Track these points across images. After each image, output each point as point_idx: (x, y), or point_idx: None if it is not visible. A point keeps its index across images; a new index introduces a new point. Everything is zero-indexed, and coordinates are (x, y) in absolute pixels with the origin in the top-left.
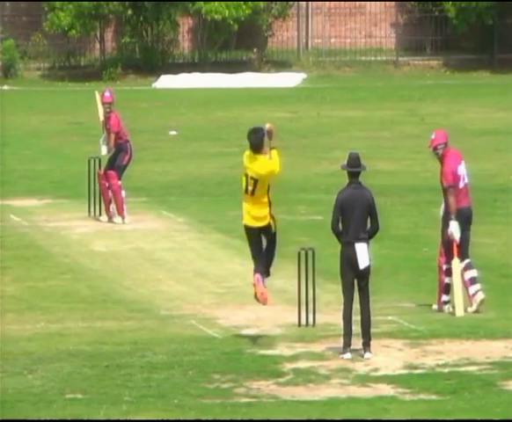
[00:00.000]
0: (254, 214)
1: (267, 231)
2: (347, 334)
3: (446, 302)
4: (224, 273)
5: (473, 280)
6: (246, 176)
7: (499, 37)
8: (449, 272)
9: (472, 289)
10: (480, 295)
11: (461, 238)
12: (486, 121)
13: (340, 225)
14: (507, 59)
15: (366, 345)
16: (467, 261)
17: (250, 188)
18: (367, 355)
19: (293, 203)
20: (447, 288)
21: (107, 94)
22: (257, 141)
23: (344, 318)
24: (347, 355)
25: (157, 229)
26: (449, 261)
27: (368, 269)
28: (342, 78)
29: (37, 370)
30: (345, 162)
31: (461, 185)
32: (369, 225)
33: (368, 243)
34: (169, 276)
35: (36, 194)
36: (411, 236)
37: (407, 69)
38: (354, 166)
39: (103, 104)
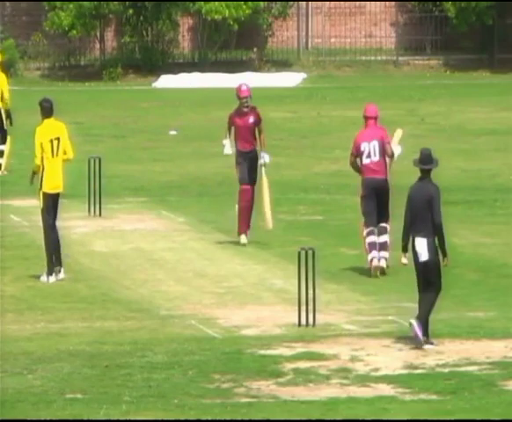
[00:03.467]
0: (57, 178)
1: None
2: None
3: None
4: (224, 273)
5: (372, 246)
6: (51, 141)
7: (499, 37)
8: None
9: (370, 256)
10: (375, 262)
11: (370, 206)
12: (486, 121)
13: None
14: (507, 59)
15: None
16: (381, 225)
17: (55, 150)
18: (427, 346)
19: (293, 203)
20: (371, 246)
21: (244, 88)
22: (50, 105)
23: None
24: None
25: (157, 229)
26: (366, 226)
27: (428, 263)
28: (342, 78)
29: (37, 370)
30: (417, 157)
31: (365, 160)
32: None
33: (428, 238)
34: (169, 276)
35: (36, 194)
36: None
37: (407, 68)
38: (425, 163)
39: (240, 99)
